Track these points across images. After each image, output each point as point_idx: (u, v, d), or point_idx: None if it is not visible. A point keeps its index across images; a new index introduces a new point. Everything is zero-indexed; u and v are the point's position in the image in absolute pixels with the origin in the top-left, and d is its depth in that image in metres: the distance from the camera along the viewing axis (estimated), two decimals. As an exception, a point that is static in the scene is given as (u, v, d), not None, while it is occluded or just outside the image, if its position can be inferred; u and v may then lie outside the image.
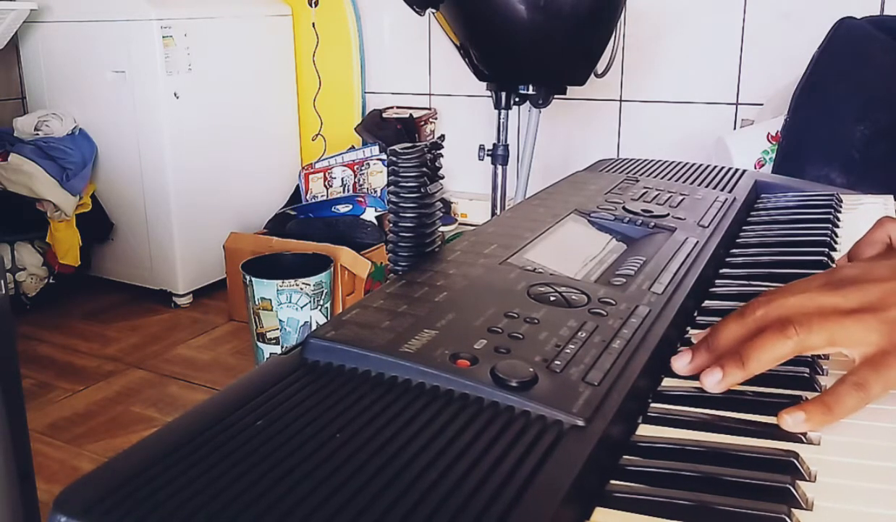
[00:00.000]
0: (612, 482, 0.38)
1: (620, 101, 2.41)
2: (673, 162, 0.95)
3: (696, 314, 0.59)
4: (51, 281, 2.42)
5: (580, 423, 0.39)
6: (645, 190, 0.81)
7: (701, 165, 0.94)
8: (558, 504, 0.33)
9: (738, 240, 0.75)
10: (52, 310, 2.39)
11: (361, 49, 2.78)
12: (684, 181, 0.87)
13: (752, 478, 0.37)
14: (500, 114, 2.06)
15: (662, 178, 0.88)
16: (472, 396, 0.40)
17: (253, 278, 1.94)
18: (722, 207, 0.77)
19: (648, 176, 0.89)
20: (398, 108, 2.74)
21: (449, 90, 2.68)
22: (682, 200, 0.78)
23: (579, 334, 0.47)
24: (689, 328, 0.56)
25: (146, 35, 2.27)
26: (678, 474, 0.38)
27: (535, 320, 0.49)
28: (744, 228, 0.79)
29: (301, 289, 1.92)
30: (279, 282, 1.91)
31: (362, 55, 2.78)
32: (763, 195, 0.90)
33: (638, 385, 0.45)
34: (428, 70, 2.71)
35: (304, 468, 0.34)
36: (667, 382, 0.49)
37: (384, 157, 2.54)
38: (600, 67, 2.06)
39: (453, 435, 0.37)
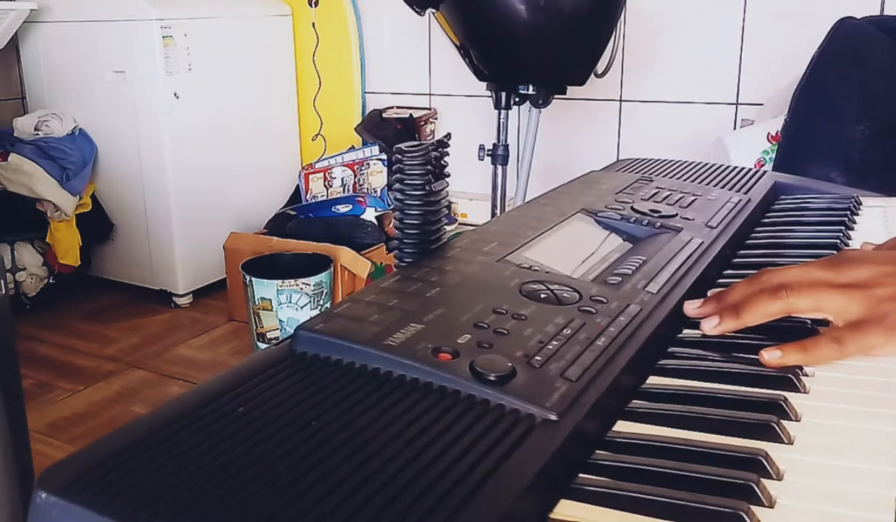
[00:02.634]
0: (581, 475, 0.39)
1: (620, 101, 2.41)
2: (692, 162, 0.95)
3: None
4: (51, 281, 2.42)
5: (553, 417, 0.39)
6: (657, 190, 0.81)
7: (721, 166, 0.94)
8: (517, 495, 0.34)
9: (747, 241, 0.75)
10: (52, 310, 2.39)
11: (361, 49, 2.78)
12: (700, 182, 0.87)
13: (718, 475, 0.38)
14: (500, 114, 2.06)
15: (678, 178, 0.88)
16: (449, 389, 0.41)
17: (253, 278, 1.94)
18: (734, 208, 0.77)
19: (664, 176, 0.89)
20: (398, 108, 2.74)
21: (449, 90, 2.68)
22: (693, 200, 0.78)
23: (565, 330, 0.48)
24: (683, 328, 0.56)
25: (146, 35, 2.27)
26: (646, 469, 0.39)
27: (523, 317, 0.49)
28: (756, 229, 0.79)
29: (301, 289, 1.92)
30: (279, 282, 1.91)
31: (362, 55, 2.78)
32: (782, 197, 0.90)
33: (619, 383, 0.45)
34: (428, 70, 2.71)
35: (277, 453, 0.35)
36: (652, 380, 0.49)
37: (384, 157, 2.54)
38: (600, 67, 2.06)
39: (425, 425, 0.38)
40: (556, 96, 2.04)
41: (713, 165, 0.95)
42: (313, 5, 2.73)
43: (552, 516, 0.36)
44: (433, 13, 1.98)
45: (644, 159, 0.98)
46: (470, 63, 2.02)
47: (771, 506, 0.36)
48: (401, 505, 0.32)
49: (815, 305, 0.52)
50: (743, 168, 0.94)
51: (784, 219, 0.82)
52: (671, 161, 0.96)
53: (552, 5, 1.79)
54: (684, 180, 0.87)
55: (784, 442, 0.42)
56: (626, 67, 2.37)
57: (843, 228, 0.75)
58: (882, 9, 2.01)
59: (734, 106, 2.25)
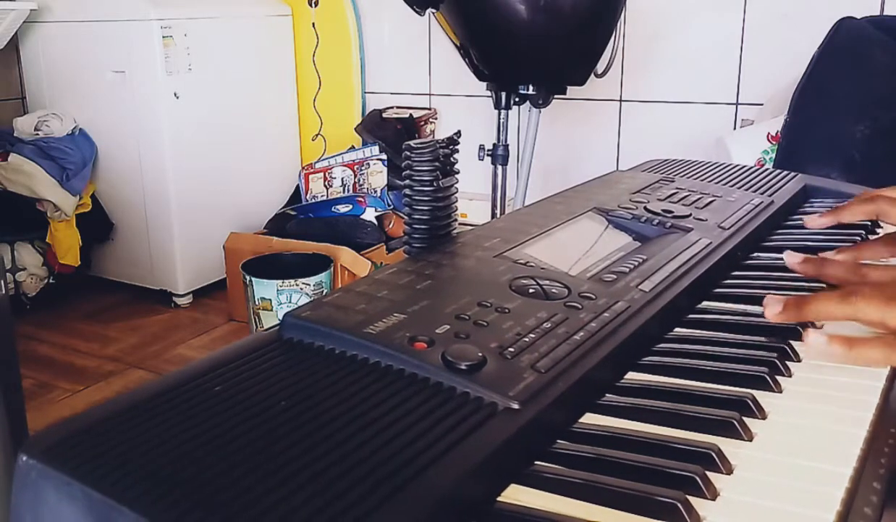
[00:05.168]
0: (537, 462, 0.40)
1: (620, 101, 2.41)
2: (721, 164, 0.95)
3: (690, 313, 0.59)
4: (51, 281, 2.42)
5: (514, 406, 0.41)
6: (676, 191, 0.81)
7: (750, 168, 0.94)
8: (461, 477, 0.35)
9: (764, 243, 0.75)
10: (52, 310, 2.39)
11: (361, 49, 2.78)
12: (725, 184, 0.87)
13: (667, 467, 0.39)
14: (500, 114, 2.06)
15: (702, 180, 0.88)
16: (419, 376, 0.43)
17: (253, 278, 1.94)
18: (753, 210, 0.77)
19: (689, 177, 0.89)
20: (398, 108, 2.74)
21: (449, 90, 2.68)
22: (711, 201, 0.78)
23: (545, 324, 0.49)
24: (675, 326, 0.57)
25: (146, 35, 2.27)
26: (599, 459, 0.40)
27: (506, 310, 0.50)
28: (777, 231, 0.79)
29: (301, 289, 1.92)
30: (279, 282, 1.91)
31: (362, 55, 2.78)
32: (812, 200, 0.90)
33: (592, 377, 0.46)
34: (428, 70, 2.71)
35: (243, 428, 0.37)
36: (631, 375, 0.50)
37: (384, 157, 2.54)
38: (600, 67, 2.06)
39: (389, 409, 0.39)
40: (556, 96, 2.04)
41: (743, 167, 0.94)
42: (313, 5, 2.73)
43: (499, 499, 0.37)
44: (433, 13, 1.98)
45: (673, 160, 0.98)
46: (470, 63, 2.02)
47: (713, 499, 0.37)
48: (346, 482, 0.34)
49: (881, 319, 0.51)
50: (773, 170, 0.94)
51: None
52: (700, 163, 0.96)
53: (552, 5, 1.79)
54: (708, 182, 0.87)
55: (743, 439, 0.43)
56: (626, 67, 2.37)
57: (863, 231, 0.75)
58: (882, 9, 2.01)
59: (734, 106, 2.25)
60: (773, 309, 0.54)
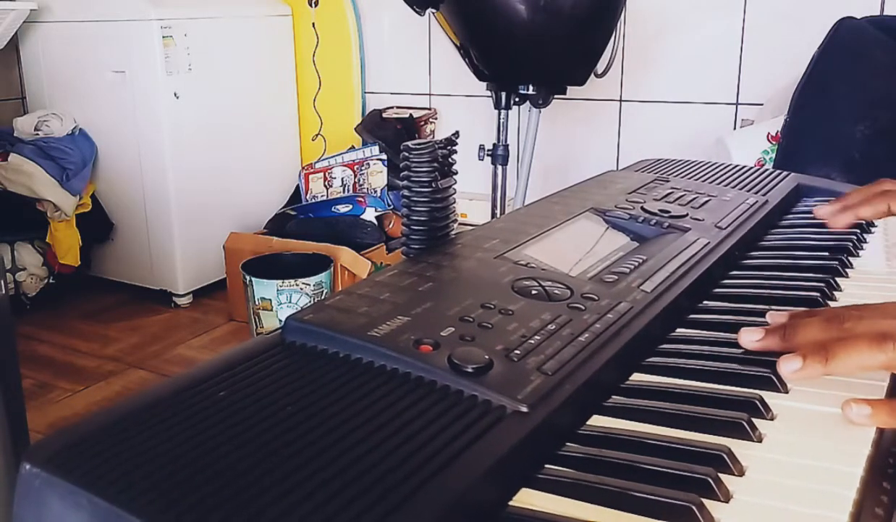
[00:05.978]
0: (547, 466, 0.40)
1: (620, 101, 2.41)
2: (715, 163, 0.95)
3: (690, 313, 0.59)
4: (51, 281, 2.42)
5: (523, 409, 0.40)
6: (672, 190, 0.81)
7: (743, 168, 0.94)
8: (471, 482, 0.35)
9: (760, 242, 0.75)
10: (52, 310, 2.39)
11: (361, 49, 2.78)
12: (719, 183, 0.87)
13: (679, 469, 0.39)
14: (500, 114, 2.06)
15: (696, 179, 0.88)
16: (426, 379, 0.42)
17: (253, 278, 1.94)
18: (748, 209, 0.77)
19: (683, 177, 0.89)
20: (398, 108, 2.74)
21: (449, 90, 2.68)
22: (707, 201, 0.78)
23: (549, 326, 0.48)
24: (678, 327, 0.56)
25: (146, 35, 2.27)
26: (610, 462, 0.40)
27: (510, 312, 0.50)
28: (773, 231, 0.79)
29: (301, 289, 1.92)
30: (279, 282, 1.91)
31: (362, 55, 2.78)
32: (805, 199, 0.90)
33: (598, 378, 0.46)
34: (428, 70, 2.71)
35: (249, 434, 0.37)
36: (636, 376, 0.50)
37: (384, 157, 2.54)
38: (600, 67, 2.05)
39: (397, 413, 0.39)
40: (556, 96, 2.04)
41: (736, 166, 0.94)
42: (313, 5, 2.73)
43: (511, 503, 0.37)
44: (433, 13, 1.98)
45: (666, 160, 0.98)
46: (470, 63, 2.02)
47: (726, 501, 0.37)
48: (355, 489, 0.33)
49: None
50: (766, 170, 0.94)
51: (800, 221, 0.82)
52: (693, 162, 0.96)
53: (552, 5, 1.79)
54: (702, 181, 0.87)
55: (752, 440, 0.42)
56: (626, 67, 2.37)
57: (858, 231, 0.75)
58: (882, 9, 2.01)
59: (734, 106, 2.25)
60: (789, 366, 0.45)
